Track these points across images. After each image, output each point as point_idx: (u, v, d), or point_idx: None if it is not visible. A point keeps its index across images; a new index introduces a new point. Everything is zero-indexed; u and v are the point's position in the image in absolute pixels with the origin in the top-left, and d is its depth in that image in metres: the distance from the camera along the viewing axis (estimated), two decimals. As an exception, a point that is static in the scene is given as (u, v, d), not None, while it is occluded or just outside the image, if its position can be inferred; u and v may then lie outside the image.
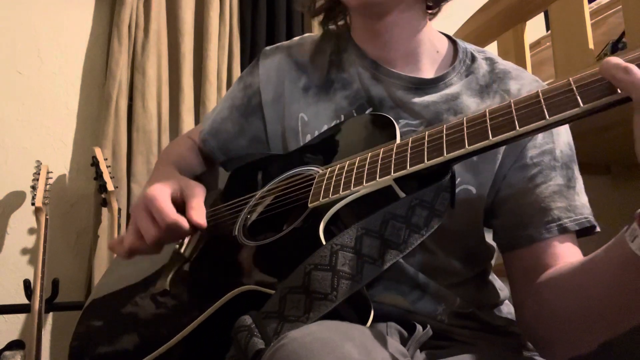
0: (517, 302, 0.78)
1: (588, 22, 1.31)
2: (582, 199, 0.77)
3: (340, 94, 0.85)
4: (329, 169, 0.70)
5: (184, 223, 0.71)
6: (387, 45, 0.85)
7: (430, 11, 0.87)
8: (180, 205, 0.75)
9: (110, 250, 0.79)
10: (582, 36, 1.31)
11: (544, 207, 0.75)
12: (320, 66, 0.90)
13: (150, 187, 0.75)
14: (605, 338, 0.66)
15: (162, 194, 0.73)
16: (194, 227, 0.72)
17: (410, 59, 0.85)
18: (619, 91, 0.51)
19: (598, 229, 0.76)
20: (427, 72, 0.85)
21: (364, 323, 0.56)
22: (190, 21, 2.15)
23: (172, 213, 0.71)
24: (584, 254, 0.71)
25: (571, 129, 0.83)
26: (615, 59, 0.51)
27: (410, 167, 0.59)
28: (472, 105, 0.80)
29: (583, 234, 0.76)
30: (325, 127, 0.83)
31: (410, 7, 0.83)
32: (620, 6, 1.31)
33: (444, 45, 0.88)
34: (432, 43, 0.87)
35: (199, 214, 0.73)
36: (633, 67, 0.49)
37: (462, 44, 0.88)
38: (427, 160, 0.58)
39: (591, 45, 1.30)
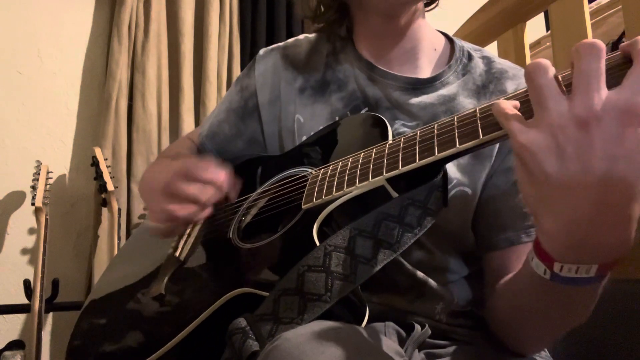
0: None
1: (588, 22, 1.30)
2: None
3: (335, 95, 0.85)
4: (322, 170, 0.70)
5: (222, 176, 0.77)
6: (390, 45, 0.85)
7: (427, 8, 0.88)
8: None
9: (152, 233, 0.81)
10: (582, 36, 1.30)
11: (525, 211, 0.75)
12: (316, 67, 0.90)
13: (170, 164, 0.79)
14: (546, 339, 0.69)
15: (197, 163, 0.77)
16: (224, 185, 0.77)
17: (408, 57, 0.85)
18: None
19: None
20: (424, 70, 0.85)
21: (359, 323, 0.56)
22: (190, 21, 2.15)
23: (212, 171, 0.76)
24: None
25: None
26: (502, 102, 0.50)
27: (402, 167, 0.59)
28: (469, 106, 0.80)
29: None
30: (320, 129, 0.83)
31: (417, 5, 0.84)
32: (620, 6, 1.30)
33: (441, 43, 0.88)
34: (430, 41, 0.87)
35: (220, 172, 0.77)
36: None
37: (458, 42, 0.88)
38: (419, 160, 0.58)
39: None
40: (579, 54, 0.45)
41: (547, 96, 0.46)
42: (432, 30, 0.89)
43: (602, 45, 0.44)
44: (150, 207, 0.81)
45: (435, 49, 0.87)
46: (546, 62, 0.47)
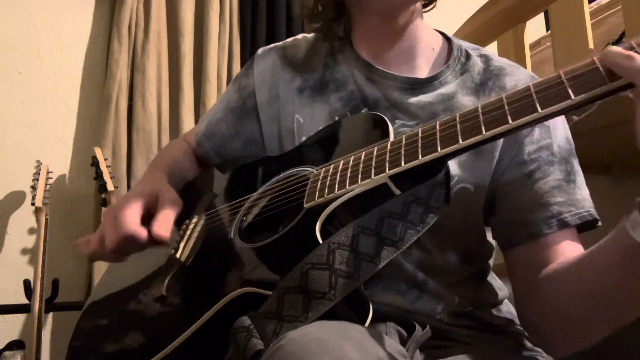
0: (518, 299, 0.77)
1: (588, 22, 1.31)
2: (583, 192, 0.77)
3: (334, 95, 0.85)
4: (324, 169, 0.70)
5: (142, 235, 0.70)
6: (388, 45, 0.85)
7: (425, 8, 0.88)
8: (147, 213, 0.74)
9: (76, 247, 0.78)
10: (582, 36, 1.30)
11: (543, 202, 0.74)
12: (314, 67, 0.90)
13: (126, 195, 0.75)
14: (608, 332, 0.66)
15: (132, 203, 0.73)
16: (155, 240, 0.71)
17: (406, 57, 0.85)
18: (609, 82, 0.51)
19: (600, 223, 0.76)
20: (423, 70, 0.85)
21: (362, 323, 0.56)
22: (190, 21, 2.15)
23: (131, 224, 0.70)
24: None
25: (571, 129, 0.83)
26: (616, 48, 0.51)
27: (404, 164, 0.59)
28: (468, 104, 0.80)
29: (585, 229, 0.76)
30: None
31: (415, 6, 0.84)
32: (620, 6, 1.30)
33: (438, 42, 0.88)
34: (427, 41, 0.87)
35: (161, 226, 0.71)
36: (635, 54, 0.49)
37: (456, 41, 0.88)
38: (422, 157, 0.58)
39: (591, 45, 1.30)
40: None
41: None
42: (430, 30, 0.89)
43: None
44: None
45: (433, 49, 0.87)
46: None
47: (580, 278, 0.66)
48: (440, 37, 0.89)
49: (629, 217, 0.54)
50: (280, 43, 0.97)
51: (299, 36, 0.97)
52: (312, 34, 0.96)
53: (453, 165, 0.75)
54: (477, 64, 0.84)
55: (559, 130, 0.79)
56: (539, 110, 0.53)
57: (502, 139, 0.77)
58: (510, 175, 0.77)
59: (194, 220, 0.82)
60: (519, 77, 0.82)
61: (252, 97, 0.92)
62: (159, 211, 0.73)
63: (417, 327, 0.70)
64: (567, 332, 0.70)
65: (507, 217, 0.77)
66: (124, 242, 0.70)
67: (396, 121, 0.79)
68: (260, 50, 0.96)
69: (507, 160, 0.77)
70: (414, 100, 0.81)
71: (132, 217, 0.71)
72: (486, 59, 0.85)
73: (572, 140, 0.81)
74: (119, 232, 0.70)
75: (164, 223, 0.72)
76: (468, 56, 0.85)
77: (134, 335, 0.73)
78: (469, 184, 0.76)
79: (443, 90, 0.82)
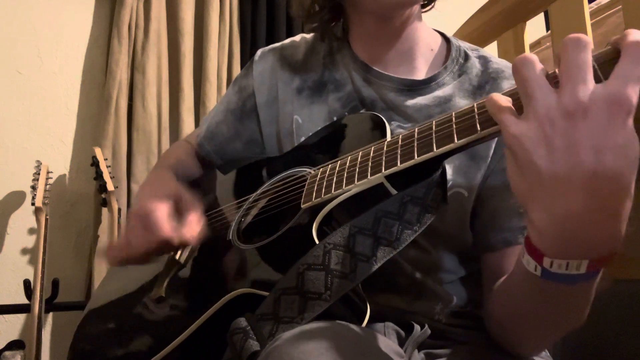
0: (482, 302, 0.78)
1: (588, 22, 1.30)
2: None
3: (333, 95, 0.85)
4: (321, 169, 0.70)
5: (176, 240, 0.70)
6: (386, 46, 0.85)
7: (424, 9, 0.88)
8: (174, 215, 0.75)
9: (101, 256, 0.79)
10: (582, 36, 1.30)
11: (521, 212, 0.74)
12: (313, 67, 0.90)
13: (148, 197, 0.75)
14: (553, 339, 0.67)
15: (160, 205, 0.73)
16: (186, 243, 0.72)
17: (404, 58, 0.85)
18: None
19: None
20: (421, 71, 0.85)
21: (360, 323, 0.56)
22: (190, 21, 2.15)
23: (166, 228, 0.70)
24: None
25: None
26: (495, 96, 0.50)
27: (400, 163, 0.59)
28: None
29: None
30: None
31: (413, 7, 0.84)
32: (620, 6, 1.30)
33: (437, 43, 0.88)
34: (426, 41, 0.87)
35: (194, 230, 0.72)
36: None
37: (455, 41, 0.88)
38: (418, 157, 0.58)
39: (591, 45, 1.29)
40: (566, 46, 0.45)
41: (535, 88, 0.46)
42: (428, 31, 0.89)
43: (589, 39, 0.45)
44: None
45: (432, 49, 0.87)
46: (533, 56, 0.47)
47: (505, 292, 0.67)
48: (439, 38, 0.89)
49: (524, 255, 0.53)
50: (279, 44, 0.97)
51: (298, 37, 0.97)
52: (310, 35, 0.96)
53: (448, 170, 0.75)
54: (475, 65, 0.84)
55: None
56: None
57: (494, 145, 0.77)
58: (494, 180, 0.77)
59: None
60: None
61: (251, 98, 0.93)
62: (189, 214, 0.74)
63: (416, 326, 0.70)
64: (507, 339, 0.70)
65: (486, 221, 0.77)
66: (159, 246, 0.70)
67: (392, 122, 0.79)
68: (259, 52, 0.97)
69: (494, 165, 0.77)
70: (410, 102, 0.81)
71: (166, 221, 0.71)
72: (485, 60, 0.85)
73: None
74: (155, 236, 0.70)
75: (195, 226, 0.73)
76: (466, 57, 0.85)
77: (133, 336, 0.74)
78: (463, 188, 0.76)
79: (440, 92, 0.82)
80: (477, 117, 0.54)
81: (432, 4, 0.88)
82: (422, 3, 0.86)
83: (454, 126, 0.56)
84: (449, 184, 0.75)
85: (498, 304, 0.69)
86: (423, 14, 0.89)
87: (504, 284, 0.68)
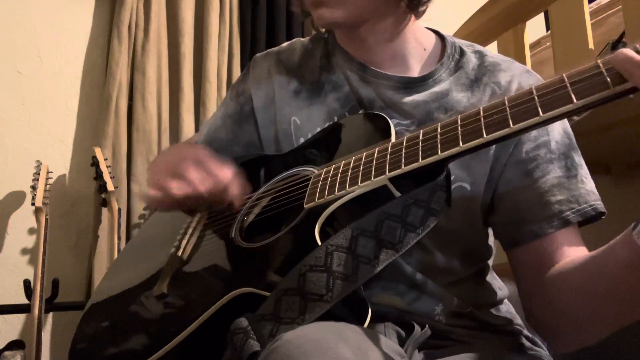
0: (524, 296, 0.77)
1: (588, 22, 1.31)
2: (587, 185, 0.76)
3: (331, 95, 0.86)
4: (325, 170, 0.70)
5: (233, 189, 0.76)
6: (372, 49, 0.85)
7: (413, 11, 0.85)
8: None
9: (144, 201, 0.82)
10: (582, 36, 1.30)
11: (544, 201, 0.74)
12: (310, 69, 0.90)
13: (192, 147, 0.78)
14: (612, 330, 0.66)
15: (211, 157, 0.77)
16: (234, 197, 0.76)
17: (397, 60, 0.85)
18: (613, 87, 0.51)
19: (604, 215, 0.76)
20: (416, 70, 0.85)
21: (361, 324, 0.56)
22: (190, 21, 2.15)
23: (228, 174, 0.75)
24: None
25: (572, 128, 0.82)
26: (629, 52, 0.50)
27: (405, 166, 0.59)
28: (463, 100, 0.80)
29: (590, 221, 0.75)
30: (318, 130, 0.83)
31: (387, 14, 0.82)
32: (620, 6, 1.31)
33: (431, 41, 0.88)
34: (418, 41, 0.86)
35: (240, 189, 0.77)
36: None
37: (450, 39, 0.88)
38: (422, 159, 0.58)
39: (591, 45, 1.30)
40: None
41: None
42: (421, 32, 0.88)
43: None
44: (151, 179, 0.81)
45: (424, 49, 0.87)
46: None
47: (583, 284, 0.66)
48: (433, 36, 0.89)
49: (636, 227, 0.54)
50: (276, 48, 0.98)
51: (295, 40, 0.99)
52: (307, 38, 0.97)
53: (450, 164, 0.75)
54: (471, 60, 0.84)
55: (556, 125, 0.79)
56: (541, 114, 0.53)
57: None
58: (509, 174, 0.77)
59: (196, 218, 0.82)
60: (514, 72, 0.82)
61: (249, 102, 0.94)
62: (212, 163, 0.77)
63: (416, 327, 0.70)
64: (574, 329, 0.70)
65: (508, 217, 0.77)
66: (219, 191, 0.75)
67: (391, 120, 0.79)
68: (256, 56, 0.98)
69: (505, 158, 0.77)
70: (408, 99, 0.81)
71: (216, 160, 0.77)
72: (480, 54, 0.85)
73: (571, 133, 0.80)
74: (218, 180, 0.75)
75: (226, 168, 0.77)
76: (462, 53, 0.85)
77: (134, 333, 0.73)
78: (466, 183, 0.76)
79: (437, 88, 0.82)
80: (482, 121, 0.54)
81: (424, 6, 0.85)
82: (410, 4, 0.84)
83: (460, 129, 0.56)
84: (452, 177, 0.75)
85: (570, 289, 0.68)
86: (423, 15, 0.89)
87: (579, 269, 0.67)
